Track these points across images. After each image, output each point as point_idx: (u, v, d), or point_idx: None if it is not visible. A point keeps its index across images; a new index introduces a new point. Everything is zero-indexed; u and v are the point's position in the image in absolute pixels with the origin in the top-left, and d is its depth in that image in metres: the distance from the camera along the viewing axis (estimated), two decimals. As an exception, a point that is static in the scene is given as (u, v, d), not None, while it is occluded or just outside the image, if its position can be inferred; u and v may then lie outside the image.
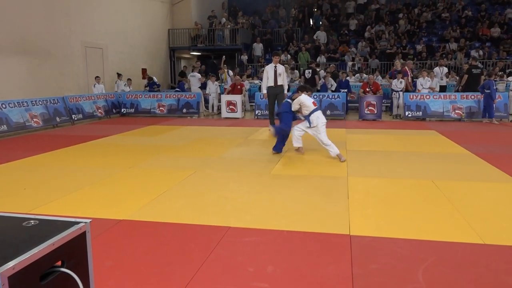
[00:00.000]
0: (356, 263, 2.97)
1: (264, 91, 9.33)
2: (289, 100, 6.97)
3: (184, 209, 4.19)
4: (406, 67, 13.23)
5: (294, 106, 6.67)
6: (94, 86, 13.36)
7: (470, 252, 3.15)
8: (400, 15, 19.87)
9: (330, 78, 14.00)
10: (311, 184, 5.08)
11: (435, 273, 2.81)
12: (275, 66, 9.28)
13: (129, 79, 14.88)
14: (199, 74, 14.98)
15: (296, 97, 6.67)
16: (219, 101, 13.79)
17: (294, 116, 6.94)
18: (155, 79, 15.37)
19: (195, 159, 6.60)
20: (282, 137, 6.97)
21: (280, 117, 7.04)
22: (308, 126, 6.57)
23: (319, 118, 6.48)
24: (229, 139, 8.56)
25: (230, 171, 5.78)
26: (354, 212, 4.04)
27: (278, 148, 6.97)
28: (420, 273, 2.81)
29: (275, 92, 9.26)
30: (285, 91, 9.35)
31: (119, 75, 14.65)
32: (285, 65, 13.43)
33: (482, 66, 14.49)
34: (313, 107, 6.52)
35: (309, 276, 2.79)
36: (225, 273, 2.85)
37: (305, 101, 6.54)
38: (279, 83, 9.27)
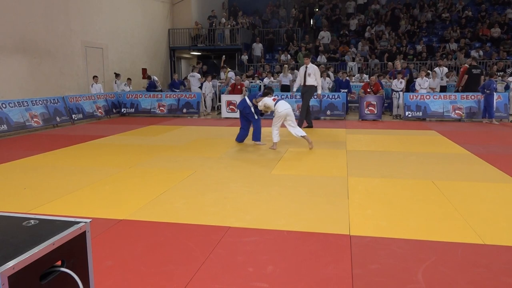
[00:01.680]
0: (356, 263, 2.97)
1: (294, 89, 9.92)
2: (248, 101, 7.84)
3: (184, 209, 4.20)
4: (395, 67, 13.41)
5: (260, 108, 7.59)
6: (92, 86, 13.35)
7: (470, 253, 3.15)
8: (401, 15, 19.87)
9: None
10: (311, 184, 5.08)
11: (435, 273, 2.81)
12: (306, 67, 9.83)
13: (129, 79, 14.88)
14: (199, 74, 14.99)
15: (260, 100, 7.57)
16: (218, 101, 13.83)
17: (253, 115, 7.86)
18: (155, 78, 15.35)
19: (195, 159, 6.60)
20: (247, 129, 8.02)
21: (247, 116, 7.96)
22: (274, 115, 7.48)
23: (278, 107, 7.34)
24: (229, 139, 8.55)
25: (230, 171, 5.78)
26: (354, 212, 4.04)
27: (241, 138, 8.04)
28: (420, 273, 2.81)
29: (303, 91, 10.00)
30: (318, 91, 9.94)
31: (117, 75, 14.64)
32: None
33: (482, 67, 14.52)
34: (273, 104, 7.39)
35: (309, 276, 2.80)
36: (225, 273, 2.85)
37: (267, 102, 7.45)
38: (307, 83, 9.86)
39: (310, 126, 10.16)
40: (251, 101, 7.82)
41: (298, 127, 7.57)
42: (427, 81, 12.65)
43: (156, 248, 3.25)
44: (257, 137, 7.91)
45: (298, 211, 4.09)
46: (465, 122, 11.56)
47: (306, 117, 10.09)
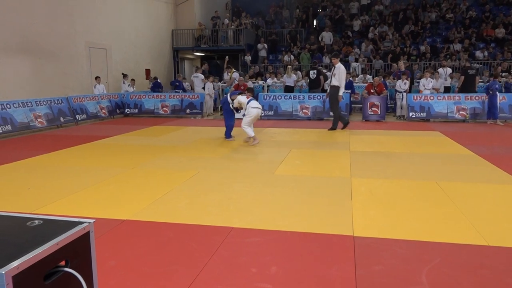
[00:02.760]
0: (360, 264, 2.96)
1: (326, 88, 9.89)
2: (229, 99, 8.48)
3: (187, 209, 4.20)
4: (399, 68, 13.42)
5: (234, 104, 8.30)
6: (95, 86, 13.38)
7: (474, 254, 3.14)
8: (403, 16, 19.82)
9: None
10: (314, 185, 5.07)
11: (439, 275, 2.80)
12: (334, 67, 9.65)
13: (132, 80, 14.91)
14: (202, 75, 15.01)
15: (235, 98, 8.28)
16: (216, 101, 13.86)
17: (232, 111, 8.54)
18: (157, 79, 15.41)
19: (198, 160, 6.61)
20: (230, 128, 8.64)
21: (224, 112, 8.81)
22: (244, 115, 8.12)
23: (251, 105, 7.99)
24: (232, 139, 8.55)
25: (233, 172, 5.78)
26: (357, 213, 4.03)
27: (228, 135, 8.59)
28: (424, 275, 2.80)
29: (329, 92, 9.86)
30: (340, 92, 9.62)
31: (124, 75, 14.68)
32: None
33: (477, 67, 14.90)
34: (246, 102, 8.06)
35: (312, 277, 2.79)
36: (228, 273, 2.85)
37: (241, 99, 8.15)
38: (332, 83, 9.72)
39: (345, 124, 10.03)
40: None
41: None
42: (431, 81, 12.61)
43: (159, 249, 3.26)
44: (227, 134, 8.56)
45: (301, 212, 4.08)
46: (469, 123, 11.51)
47: (339, 118, 9.92)
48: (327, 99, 10.41)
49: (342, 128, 9.95)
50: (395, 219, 3.89)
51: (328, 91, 9.99)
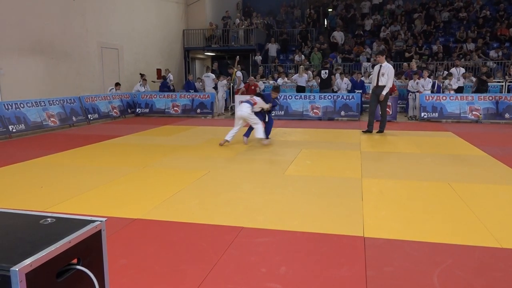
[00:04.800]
0: (370, 265, 2.94)
1: (369, 90, 9.21)
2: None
3: (197, 209, 4.21)
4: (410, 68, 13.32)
5: (256, 109, 7.94)
6: (110, 90, 13.51)
7: (487, 256, 3.09)
8: (415, 15, 19.64)
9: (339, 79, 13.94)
10: (325, 185, 5.05)
11: (450, 277, 2.77)
12: (380, 66, 9.14)
13: (144, 79, 15.01)
14: (213, 75, 15.04)
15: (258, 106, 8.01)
16: (231, 101, 13.86)
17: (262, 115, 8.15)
18: (170, 76, 15.43)
19: (208, 159, 6.62)
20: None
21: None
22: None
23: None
24: (242, 139, 8.56)
25: (243, 172, 5.79)
26: (368, 213, 4.01)
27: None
28: (435, 277, 2.77)
29: (376, 92, 9.23)
30: (383, 92, 9.06)
31: (142, 75, 14.78)
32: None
33: (491, 66, 15.25)
34: (266, 104, 8.07)
35: (322, 278, 2.78)
36: (237, 273, 2.85)
37: (260, 104, 7.97)
38: (380, 83, 9.13)
39: (369, 131, 9.42)
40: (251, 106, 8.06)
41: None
42: (430, 82, 12.52)
43: (169, 248, 3.27)
44: (266, 133, 8.17)
45: (311, 212, 4.07)
46: (482, 124, 11.36)
47: (372, 120, 9.45)
48: (370, 99, 9.68)
49: (364, 132, 9.50)
50: (406, 220, 3.85)
51: (371, 91, 9.35)
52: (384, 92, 9.05)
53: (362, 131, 9.56)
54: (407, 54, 16.37)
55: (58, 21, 12.41)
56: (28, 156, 6.85)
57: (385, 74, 9.02)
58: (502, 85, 13.59)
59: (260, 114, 8.04)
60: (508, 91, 12.91)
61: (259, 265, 2.97)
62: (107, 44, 14.62)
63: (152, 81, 16.34)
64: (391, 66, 9.18)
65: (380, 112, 9.53)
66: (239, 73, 14.68)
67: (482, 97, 11.69)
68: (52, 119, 10.54)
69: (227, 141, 7.81)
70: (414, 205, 4.28)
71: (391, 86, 9.15)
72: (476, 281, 2.72)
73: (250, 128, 8.14)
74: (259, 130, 7.78)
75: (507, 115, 11.28)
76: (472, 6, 19.54)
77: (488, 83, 12.86)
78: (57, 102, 10.90)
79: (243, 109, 7.84)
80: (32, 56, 11.57)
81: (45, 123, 10.31)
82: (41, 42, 11.82)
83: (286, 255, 3.12)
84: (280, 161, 6.44)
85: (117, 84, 13.72)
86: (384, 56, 9.35)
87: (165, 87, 15.03)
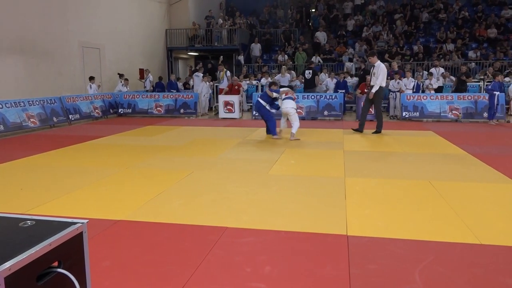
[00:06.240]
0: (354, 263, 2.97)
1: (372, 91, 9.07)
2: (262, 102, 8.78)
3: (181, 209, 4.19)
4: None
5: (281, 94, 8.72)
6: (90, 87, 13.30)
7: (467, 253, 3.16)
8: (397, 16, 19.92)
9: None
10: (308, 185, 5.08)
11: (432, 273, 2.82)
12: (373, 66, 9.12)
13: (126, 79, 14.86)
14: (202, 74, 15.06)
15: (282, 92, 8.79)
16: (215, 101, 13.86)
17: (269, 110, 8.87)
18: (150, 77, 15.35)
19: (192, 160, 6.59)
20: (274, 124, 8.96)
21: (262, 117, 9.09)
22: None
23: (282, 105, 8.71)
24: (226, 139, 8.55)
25: (227, 172, 5.78)
26: (352, 212, 4.04)
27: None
28: (417, 273, 2.82)
29: (371, 92, 9.20)
30: (372, 90, 9.01)
31: (120, 75, 14.62)
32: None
33: (470, 67, 15.58)
34: (283, 96, 8.75)
35: (306, 277, 2.80)
36: (222, 273, 2.84)
37: (283, 90, 8.85)
38: (372, 83, 9.14)
39: (359, 130, 9.40)
40: (265, 100, 8.68)
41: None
42: (412, 81, 12.75)
43: (153, 249, 3.25)
44: (273, 131, 8.74)
45: (295, 212, 4.09)
46: (462, 123, 11.59)
47: (380, 118, 9.39)
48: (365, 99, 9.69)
49: (355, 130, 9.50)
50: (389, 218, 3.90)
51: (369, 91, 9.28)
52: (373, 90, 9.03)
53: (353, 129, 9.60)
54: (386, 55, 16.60)
55: (39, 20, 12.18)
56: (7, 158, 6.71)
57: (376, 74, 9.03)
58: (480, 85, 13.90)
59: (275, 104, 8.73)
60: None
61: (244, 264, 2.97)
62: (88, 43, 14.41)
63: (139, 80, 16.26)
64: (382, 65, 9.10)
65: (374, 112, 9.60)
66: (229, 73, 14.68)
67: (461, 97, 11.92)
68: (32, 119, 10.35)
69: (280, 130, 8.74)
70: (396, 204, 4.34)
71: (380, 84, 9.05)
72: (457, 277, 2.78)
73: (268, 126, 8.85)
74: (295, 126, 8.41)
75: (485, 114, 11.52)
76: (451, 7, 19.92)
77: (467, 83, 13.17)
78: (37, 103, 10.71)
79: (289, 105, 8.42)
80: (11, 55, 11.32)
81: (24, 124, 10.11)
82: (21, 41, 11.58)
83: (271, 255, 3.13)
84: (264, 161, 6.45)
85: (91, 78, 13.28)
86: (375, 56, 9.33)
87: (159, 87, 15.02)
